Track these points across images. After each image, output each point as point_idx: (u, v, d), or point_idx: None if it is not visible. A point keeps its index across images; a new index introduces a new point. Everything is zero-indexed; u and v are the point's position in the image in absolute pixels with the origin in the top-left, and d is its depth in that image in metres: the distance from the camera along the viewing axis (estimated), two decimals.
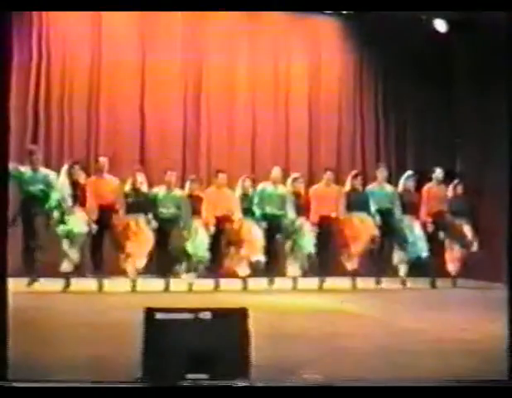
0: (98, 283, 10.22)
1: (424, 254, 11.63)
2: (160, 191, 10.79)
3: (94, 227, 10.19)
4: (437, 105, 14.82)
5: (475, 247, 11.96)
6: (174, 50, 14.11)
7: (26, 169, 10.09)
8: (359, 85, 15.33)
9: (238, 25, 14.36)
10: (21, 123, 12.91)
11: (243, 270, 10.88)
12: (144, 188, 10.77)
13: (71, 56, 13.50)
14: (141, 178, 10.76)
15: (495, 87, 11.72)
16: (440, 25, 14.24)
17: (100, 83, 13.66)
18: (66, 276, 10.10)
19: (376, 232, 11.42)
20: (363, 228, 11.41)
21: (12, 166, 9.93)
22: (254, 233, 10.93)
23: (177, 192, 10.94)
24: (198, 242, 10.63)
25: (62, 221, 9.99)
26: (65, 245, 10.00)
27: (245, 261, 10.86)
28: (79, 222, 10.07)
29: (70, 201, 10.09)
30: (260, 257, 10.87)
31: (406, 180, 11.97)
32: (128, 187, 10.66)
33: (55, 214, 9.98)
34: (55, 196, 9.97)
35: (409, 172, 12.19)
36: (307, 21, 14.66)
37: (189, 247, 10.58)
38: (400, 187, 11.95)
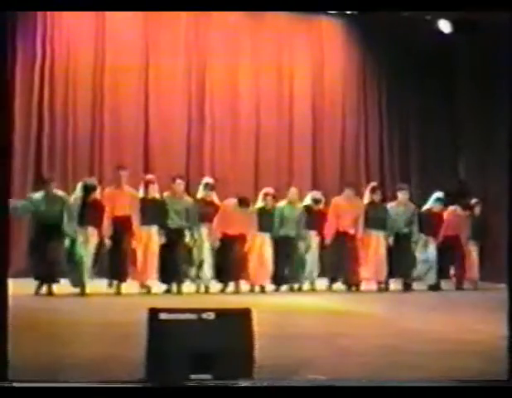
0: (108, 286, 10.19)
1: (433, 280, 11.63)
2: (167, 199, 10.53)
3: (108, 242, 10.09)
4: (441, 105, 14.84)
5: (477, 270, 12.03)
6: (178, 52, 14.15)
7: (40, 195, 9.98)
8: (362, 86, 15.35)
9: (241, 26, 14.38)
10: (25, 123, 12.96)
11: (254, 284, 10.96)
12: (157, 196, 10.55)
13: (75, 57, 13.53)
14: (154, 188, 10.54)
15: (498, 86, 11.72)
16: (444, 25, 14.24)
17: (104, 84, 13.69)
18: (81, 283, 10.01)
19: (390, 251, 11.35)
20: (378, 249, 11.33)
21: (19, 197, 9.99)
22: (266, 255, 10.93)
23: (184, 201, 10.62)
24: (204, 253, 10.60)
25: (76, 243, 9.96)
26: (81, 265, 9.91)
27: (256, 281, 10.92)
28: (93, 240, 10.04)
29: (84, 220, 10.00)
30: (266, 282, 10.92)
31: (435, 201, 11.77)
32: (140, 196, 10.46)
33: (70, 235, 9.92)
34: (67, 222, 9.88)
35: (439, 194, 11.87)
36: (311, 22, 14.69)
37: (194, 257, 10.56)
38: (427, 206, 11.80)
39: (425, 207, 11.84)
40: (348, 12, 14.24)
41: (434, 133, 15.05)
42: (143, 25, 13.95)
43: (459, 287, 11.86)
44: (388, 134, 15.39)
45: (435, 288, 11.64)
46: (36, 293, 9.77)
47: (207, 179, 11.26)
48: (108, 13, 13.47)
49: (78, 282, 9.94)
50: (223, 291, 10.69)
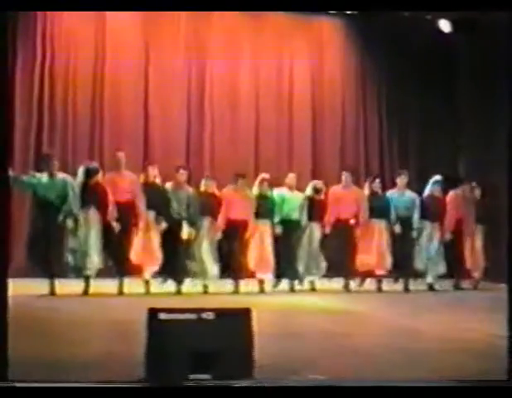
0: (110, 284, 10.15)
1: (441, 268, 11.57)
2: (170, 188, 10.51)
3: (117, 226, 9.95)
4: (440, 105, 14.84)
5: (483, 258, 11.92)
6: (177, 51, 14.17)
7: (42, 175, 9.87)
8: (362, 85, 15.36)
9: (241, 26, 14.40)
10: (25, 121, 12.98)
11: (256, 274, 10.92)
12: (157, 181, 10.52)
13: (75, 56, 13.55)
14: (154, 172, 10.50)
15: (498, 86, 11.73)
16: (444, 25, 14.26)
17: (104, 83, 13.71)
18: (85, 279, 9.93)
19: (394, 240, 11.29)
20: (381, 237, 11.30)
21: (27, 174, 9.98)
22: (267, 242, 10.88)
23: (185, 191, 10.58)
24: (204, 244, 10.58)
25: (79, 225, 9.87)
26: (84, 247, 9.86)
27: (253, 275, 10.86)
28: (95, 224, 9.94)
29: (87, 203, 9.91)
30: (268, 276, 10.88)
31: (433, 185, 11.71)
32: (140, 181, 10.39)
33: (72, 217, 9.82)
34: (72, 201, 9.81)
35: (437, 177, 11.82)
36: (310, 22, 14.69)
37: (195, 249, 10.53)
38: (426, 192, 11.71)
39: (426, 193, 11.73)
40: (348, 12, 14.26)
41: (434, 133, 15.04)
42: (143, 25, 13.97)
43: (458, 286, 11.81)
44: (388, 133, 15.40)
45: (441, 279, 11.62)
46: (52, 290, 9.67)
47: (206, 173, 11.50)
48: (108, 13, 13.50)
49: (81, 267, 9.87)
50: (222, 277, 10.68)
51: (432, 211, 11.54)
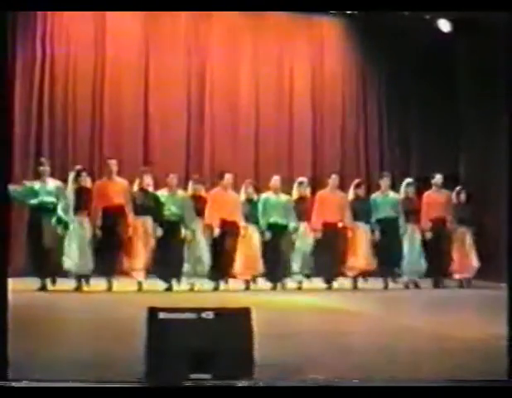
0: (105, 284, 10.22)
1: (422, 268, 11.65)
2: (162, 193, 10.70)
3: (99, 232, 10.17)
4: (441, 105, 14.84)
5: (475, 258, 11.96)
6: (178, 51, 14.20)
7: (33, 183, 10.11)
8: (362, 86, 15.38)
9: (241, 26, 14.42)
10: (25, 123, 12.98)
11: (245, 276, 10.97)
12: (151, 190, 10.71)
13: (75, 57, 13.57)
14: (148, 180, 10.70)
15: (497, 87, 11.72)
16: (443, 25, 14.28)
17: (104, 83, 13.73)
18: (77, 279, 10.17)
19: (377, 243, 11.43)
20: (366, 240, 11.42)
21: (18, 184, 10.08)
22: (255, 244, 10.99)
23: (180, 194, 10.82)
24: (200, 244, 10.62)
25: (70, 229, 10.04)
26: (75, 250, 10.05)
27: (246, 272, 10.95)
28: (87, 229, 10.14)
29: (77, 209, 10.11)
30: (258, 271, 10.96)
31: (406, 187, 11.90)
32: (135, 189, 10.61)
33: (64, 222, 9.97)
34: (63, 206, 9.96)
35: (409, 180, 12.11)
36: (311, 21, 14.73)
37: (190, 249, 10.57)
38: (401, 195, 11.87)
39: (401, 196, 11.88)
40: (348, 12, 14.28)
41: (435, 133, 15.05)
42: (143, 24, 13.98)
43: (437, 285, 11.82)
44: (388, 134, 15.42)
45: (434, 285, 11.67)
46: (41, 289, 9.85)
47: (194, 176, 11.64)
48: (108, 13, 13.52)
49: (75, 271, 10.08)
50: (219, 288, 10.70)
51: (409, 212, 11.69)
